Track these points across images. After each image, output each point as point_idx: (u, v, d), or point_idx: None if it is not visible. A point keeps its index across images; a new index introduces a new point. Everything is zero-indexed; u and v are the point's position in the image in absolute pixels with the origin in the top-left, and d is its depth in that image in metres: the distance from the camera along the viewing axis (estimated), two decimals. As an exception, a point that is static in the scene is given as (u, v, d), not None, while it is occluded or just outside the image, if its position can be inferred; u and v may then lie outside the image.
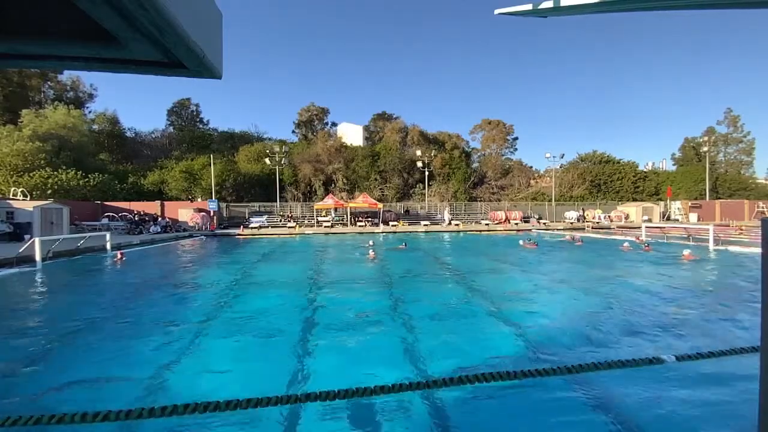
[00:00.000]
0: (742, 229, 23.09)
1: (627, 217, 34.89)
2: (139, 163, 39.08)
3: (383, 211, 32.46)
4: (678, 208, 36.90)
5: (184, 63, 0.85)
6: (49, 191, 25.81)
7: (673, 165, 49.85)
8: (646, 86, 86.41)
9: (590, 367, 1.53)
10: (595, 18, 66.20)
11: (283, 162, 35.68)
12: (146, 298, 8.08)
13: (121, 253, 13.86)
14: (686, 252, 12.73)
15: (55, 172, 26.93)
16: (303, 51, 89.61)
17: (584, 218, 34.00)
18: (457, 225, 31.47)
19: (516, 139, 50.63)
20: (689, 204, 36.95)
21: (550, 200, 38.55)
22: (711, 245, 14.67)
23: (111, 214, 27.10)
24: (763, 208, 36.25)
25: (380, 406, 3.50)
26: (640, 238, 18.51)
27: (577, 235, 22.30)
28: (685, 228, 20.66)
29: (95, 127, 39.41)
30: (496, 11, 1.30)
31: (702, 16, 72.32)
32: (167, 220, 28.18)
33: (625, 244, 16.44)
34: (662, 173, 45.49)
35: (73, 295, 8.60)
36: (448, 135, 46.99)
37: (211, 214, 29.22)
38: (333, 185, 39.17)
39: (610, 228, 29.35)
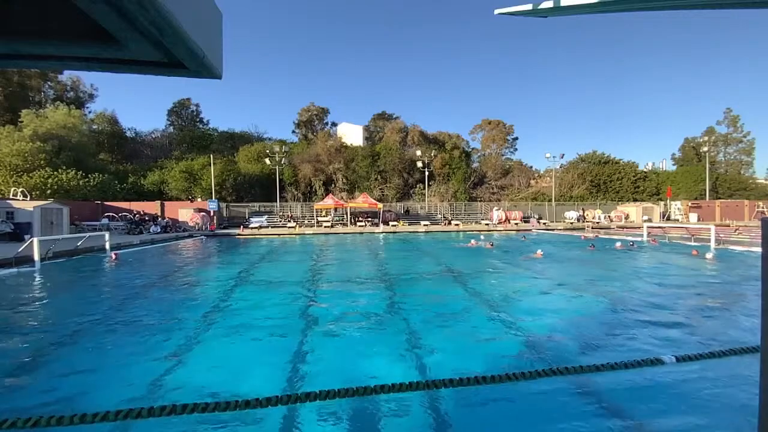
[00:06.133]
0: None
1: (627, 217, 34.92)
2: (139, 163, 39.07)
3: (383, 211, 32.46)
4: (678, 208, 36.91)
5: (184, 63, 0.85)
6: (49, 191, 25.81)
7: (673, 165, 49.93)
8: (646, 86, 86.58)
9: (591, 368, 1.53)
10: (595, 18, 66.24)
11: (283, 162, 35.68)
12: (145, 298, 8.06)
13: (115, 254, 13.83)
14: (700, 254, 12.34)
15: (55, 172, 26.94)
16: (303, 51, 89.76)
17: (584, 218, 34.02)
18: (457, 225, 31.49)
19: (516, 139, 50.79)
20: (689, 204, 36.96)
21: (550, 200, 38.56)
22: (712, 245, 14.72)
23: (111, 214, 27.10)
24: (763, 208, 36.25)
25: (380, 406, 3.49)
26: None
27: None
28: (686, 228, 20.65)
29: (95, 127, 39.43)
30: (496, 11, 1.30)
31: (702, 16, 72.36)
32: (167, 220, 28.17)
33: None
34: (662, 173, 45.51)
35: (70, 294, 8.58)
36: (448, 135, 47.04)
37: (211, 214, 29.22)
38: (333, 185, 39.19)
39: (609, 228, 29.35)
